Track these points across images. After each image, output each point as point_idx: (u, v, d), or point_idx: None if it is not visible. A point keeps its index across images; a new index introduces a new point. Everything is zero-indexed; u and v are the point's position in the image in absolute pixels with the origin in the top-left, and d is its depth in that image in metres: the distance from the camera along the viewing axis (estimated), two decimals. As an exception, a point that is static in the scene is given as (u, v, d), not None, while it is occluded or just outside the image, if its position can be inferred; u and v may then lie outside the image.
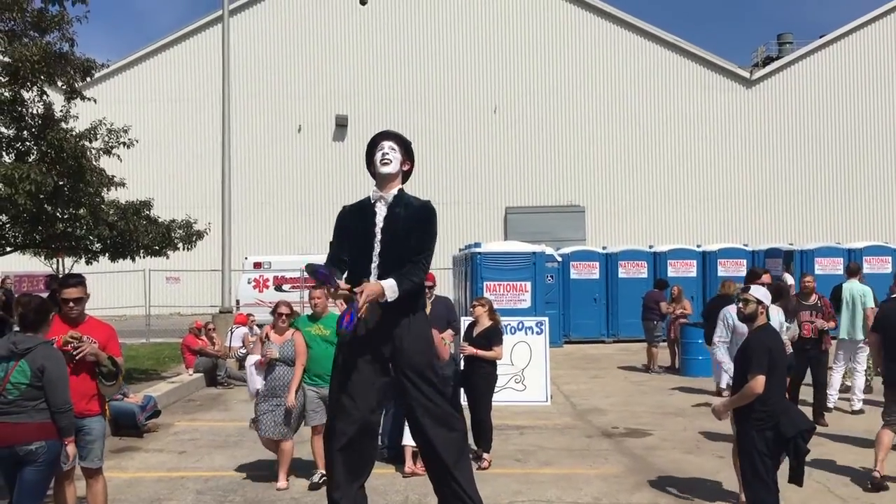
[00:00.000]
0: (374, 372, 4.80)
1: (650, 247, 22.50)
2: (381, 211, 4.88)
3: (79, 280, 5.76)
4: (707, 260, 20.95)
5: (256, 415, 7.47)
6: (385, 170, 4.92)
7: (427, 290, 9.18)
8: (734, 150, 34.35)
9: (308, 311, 7.80)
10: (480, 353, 8.32)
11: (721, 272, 20.38)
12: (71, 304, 5.59)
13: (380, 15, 34.02)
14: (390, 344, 4.78)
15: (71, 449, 5.21)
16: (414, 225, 4.82)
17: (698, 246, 22.37)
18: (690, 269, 20.78)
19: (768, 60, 37.52)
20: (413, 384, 4.78)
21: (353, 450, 4.73)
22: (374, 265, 4.81)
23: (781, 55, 37.42)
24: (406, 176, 5.09)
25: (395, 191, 4.93)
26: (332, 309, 7.07)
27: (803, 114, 34.57)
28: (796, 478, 5.59)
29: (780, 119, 34.55)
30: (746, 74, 34.97)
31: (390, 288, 4.58)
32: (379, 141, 5.03)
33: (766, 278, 9.00)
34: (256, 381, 7.48)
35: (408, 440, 7.83)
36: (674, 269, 20.60)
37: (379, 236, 4.83)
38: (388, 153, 4.94)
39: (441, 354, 7.77)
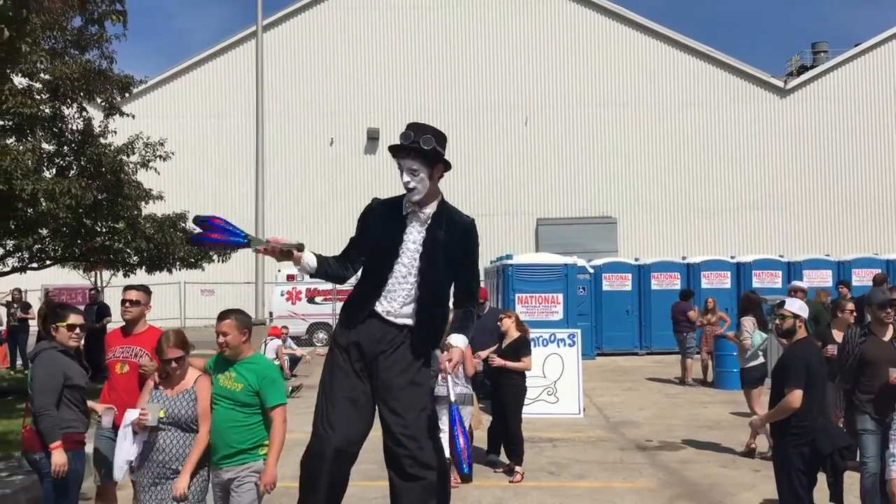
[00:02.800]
0: (364, 402, 4.42)
1: (683, 258, 22.33)
2: (413, 231, 4.34)
3: (143, 287, 5.96)
4: (741, 271, 20.72)
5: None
6: (414, 198, 4.29)
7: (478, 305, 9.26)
8: (768, 159, 33.98)
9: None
10: (509, 364, 8.35)
11: (756, 283, 20.14)
12: (127, 304, 5.75)
13: (411, 28, 34.27)
14: (374, 370, 4.39)
15: (55, 457, 4.97)
16: (458, 251, 4.30)
17: (732, 257, 22.15)
18: (725, 281, 20.57)
19: (802, 70, 37.14)
20: (390, 415, 4.35)
21: (331, 484, 4.43)
22: (385, 289, 4.35)
23: (816, 64, 37.02)
24: (441, 176, 4.41)
25: (431, 208, 4.33)
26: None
27: (839, 123, 34.12)
28: (835, 496, 5.51)
29: (815, 128, 34.14)
30: (781, 84, 34.62)
31: (463, 342, 4.35)
32: (398, 155, 4.27)
33: None
34: (124, 451, 4.84)
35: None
36: (707, 281, 20.41)
37: (405, 260, 4.32)
38: (409, 181, 4.24)
39: (466, 370, 7.79)
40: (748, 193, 33.92)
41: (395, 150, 4.28)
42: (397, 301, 4.34)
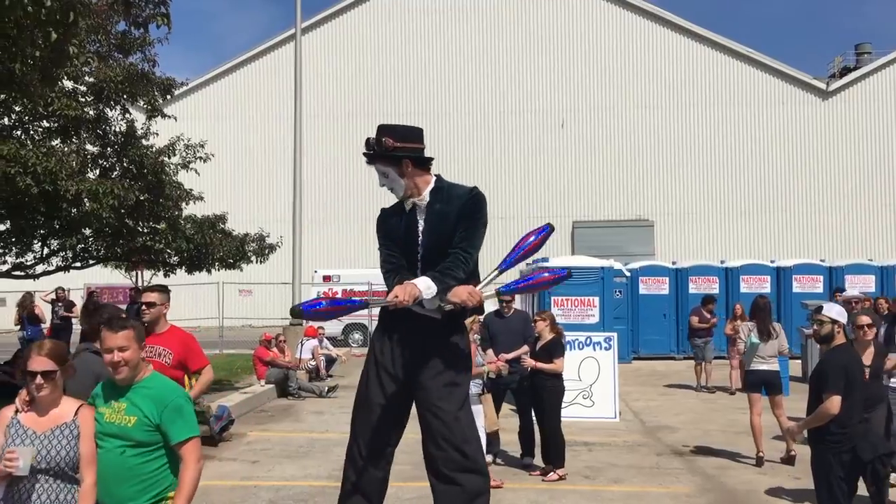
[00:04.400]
0: (394, 406, 4.43)
1: (722, 262, 22.06)
2: (420, 220, 4.38)
3: (159, 287, 5.99)
4: (782, 276, 20.43)
5: None
6: (398, 196, 4.43)
7: (505, 304, 9.28)
8: (810, 162, 33.49)
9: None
10: (540, 365, 8.31)
11: (797, 288, 19.87)
12: (144, 306, 5.77)
13: (449, 31, 34.33)
14: (411, 372, 4.37)
15: None
16: (460, 218, 4.26)
17: (772, 261, 21.83)
18: (764, 285, 20.27)
19: (845, 71, 36.53)
20: (431, 422, 4.32)
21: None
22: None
23: (859, 66, 36.39)
24: (423, 161, 4.39)
25: (428, 188, 4.36)
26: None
27: (882, 125, 33.51)
28: None
29: (857, 131, 33.56)
30: (823, 86, 34.10)
31: (426, 288, 4.01)
32: (369, 163, 4.44)
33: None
34: None
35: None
36: (746, 285, 20.14)
37: (421, 244, 4.34)
38: (384, 184, 4.41)
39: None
40: (789, 196, 33.45)
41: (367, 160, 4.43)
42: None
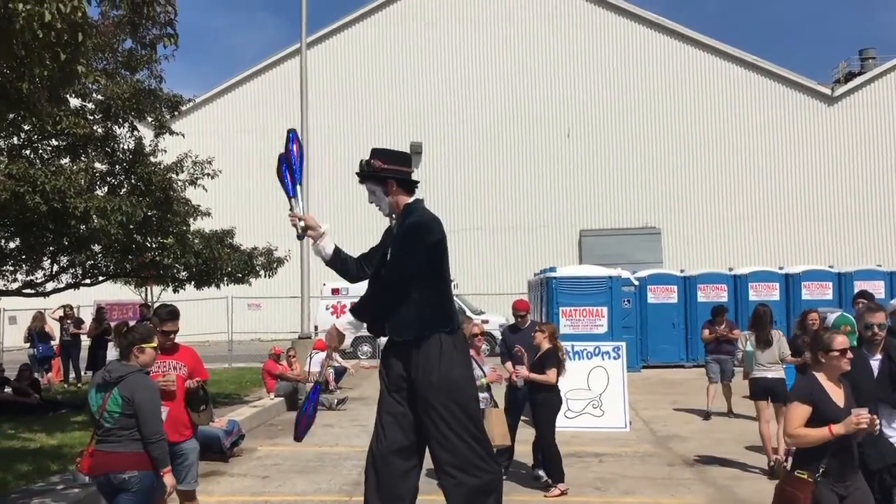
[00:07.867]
0: (403, 418, 4.70)
1: (730, 269, 22.02)
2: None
3: (176, 314, 6.13)
4: (790, 283, 20.37)
5: None
6: (383, 213, 4.88)
7: (519, 318, 9.29)
8: (816, 168, 33.43)
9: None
10: (532, 376, 8.17)
11: (805, 295, 19.79)
12: (172, 336, 5.99)
13: (453, 43, 34.45)
14: (408, 375, 4.67)
15: (168, 479, 5.14)
16: (396, 242, 4.67)
17: (781, 268, 21.78)
18: (773, 292, 20.22)
19: (850, 76, 36.49)
20: (430, 420, 4.56)
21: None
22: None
23: (864, 71, 36.34)
24: (407, 184, 4.82)
25: (399, 216, 4.83)
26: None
27: (888, 131, 33.44)
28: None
29: (863, 136, 33.50)
30: (828, 91, 34.07)
31: (346, 324, 4.66)
32: (361, 182, 4.90)
33: None
34: None
35: None
36: (755, 293, 20.09)
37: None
38: (372, 202, 4.87)
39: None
40: (796, 203, 33.38)
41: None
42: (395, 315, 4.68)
